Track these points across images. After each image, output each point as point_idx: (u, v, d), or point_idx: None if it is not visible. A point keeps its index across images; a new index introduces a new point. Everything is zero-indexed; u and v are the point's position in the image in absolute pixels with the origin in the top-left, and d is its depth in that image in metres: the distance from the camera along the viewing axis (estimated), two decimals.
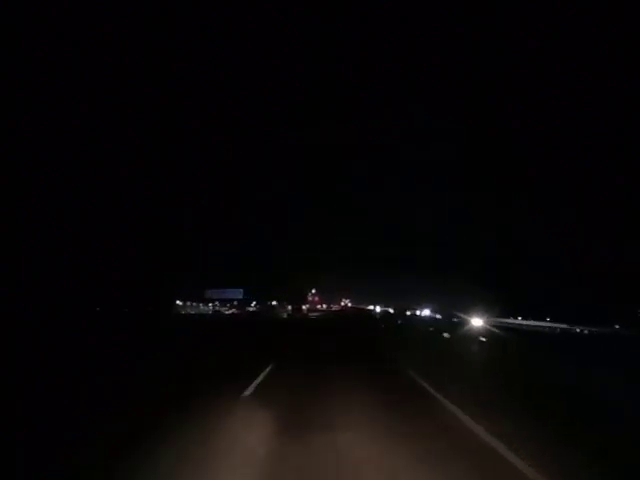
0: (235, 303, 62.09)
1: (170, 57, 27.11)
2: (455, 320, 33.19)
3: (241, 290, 56.39)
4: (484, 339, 19.97)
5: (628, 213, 21.33)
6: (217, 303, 62.96)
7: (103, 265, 30.14)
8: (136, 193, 32.69)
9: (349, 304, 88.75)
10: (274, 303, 62.71)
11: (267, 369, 9.72)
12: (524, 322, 36.80)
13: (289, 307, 62.43)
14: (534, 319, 35.00)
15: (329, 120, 27.73)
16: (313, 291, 79.44)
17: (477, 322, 26.17)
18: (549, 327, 31.87)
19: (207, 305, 62.95)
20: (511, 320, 36.86)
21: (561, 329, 31.23)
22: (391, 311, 65.40)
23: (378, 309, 74.62)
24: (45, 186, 26.10)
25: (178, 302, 54.90)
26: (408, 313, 54.23)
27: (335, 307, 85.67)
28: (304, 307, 68.56)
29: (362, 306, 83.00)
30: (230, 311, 58.75)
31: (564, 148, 23.74)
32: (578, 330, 30.08)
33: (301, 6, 23.67)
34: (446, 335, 22.08)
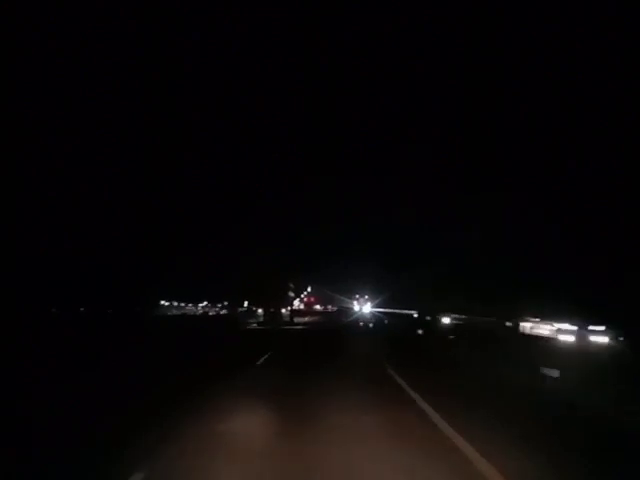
0: (225, 304, 57.29)
1: (170, 57, 27.14)
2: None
3: None
4: None
5: (628, 213, 21.33)
6: (207, 303, 59.42)
7: (97, 266, 29.94)
8: (136, 193, 32.71)
9: (360, 306, 55.25)
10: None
11: None
12: None
13: (259, 310, 47.33)
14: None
15: (329, 120, 27.69)
16: (309, 289, 61.19)
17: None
18: None
19: (196, 305, 59.36)
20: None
21: None
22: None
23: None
24: (44, 186, 26.14)
25: (163, 302, 52.27)
26: None
27: (332, 309, 61.68)
28: (284, 310, 49.67)
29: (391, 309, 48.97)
30: (221, 312, 55.60)
31: (564, 148, 23.79)
32: None
33: (301, 8, 23.70)
34: None
